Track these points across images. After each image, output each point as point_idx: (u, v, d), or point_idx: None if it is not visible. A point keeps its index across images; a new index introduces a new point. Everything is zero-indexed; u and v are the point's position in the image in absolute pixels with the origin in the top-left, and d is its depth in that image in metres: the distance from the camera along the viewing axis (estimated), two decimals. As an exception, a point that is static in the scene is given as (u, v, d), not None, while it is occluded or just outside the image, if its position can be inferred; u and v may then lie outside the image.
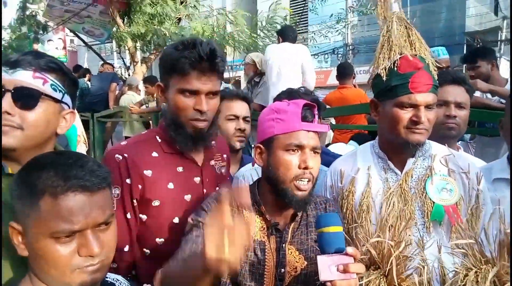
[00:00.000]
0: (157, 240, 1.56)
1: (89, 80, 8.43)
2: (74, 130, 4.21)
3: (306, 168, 1.39)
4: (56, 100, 1.30)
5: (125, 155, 1.53)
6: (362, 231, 1.40)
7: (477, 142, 3.72)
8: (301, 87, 2.18)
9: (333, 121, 4.97)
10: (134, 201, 1.54)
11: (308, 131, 1.42)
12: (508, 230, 1.23)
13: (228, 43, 8.03)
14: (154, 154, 1.60)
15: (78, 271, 1.02)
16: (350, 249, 1.18)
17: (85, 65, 16.55)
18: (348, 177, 1.72)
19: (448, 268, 1.43)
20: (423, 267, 1.38)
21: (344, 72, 5.00)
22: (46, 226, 1.00)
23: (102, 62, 9.54)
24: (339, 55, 19.85)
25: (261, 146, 1.48)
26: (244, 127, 2.27)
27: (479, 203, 1.53)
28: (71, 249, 1.01)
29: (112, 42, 11.71)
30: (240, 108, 2.27)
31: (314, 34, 17.75)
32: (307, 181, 1.41)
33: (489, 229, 1.30)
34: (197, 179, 1.66)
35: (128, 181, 1.51)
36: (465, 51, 20.40)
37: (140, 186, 1.53)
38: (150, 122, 6.21)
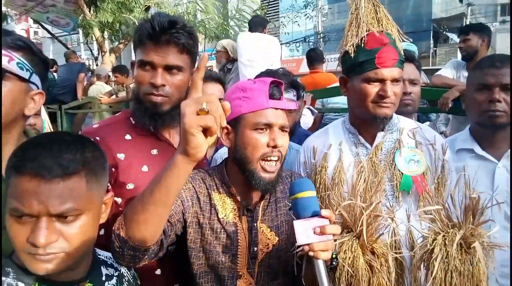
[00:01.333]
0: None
1: (55, 71, 8.19)
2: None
3: (275, 146, 1.38)
4: (23, 79, 1.26)
5: (97, 138, 1.50)
6: (335, 197, 1.43)
7: (452, 121, 3.85)
8: (280, 67, 2.18)
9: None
10: (108, 184, 1.52)
11: (276, 109, 1.40)
12: (474, 195, 1.29)
13: (198, 30, 7.95)
14: (128, 136, 1.57)
15: (29, 256, 1.01)
16: (324, 212, 1.19)
17: (51, 57, 16.08)
18: (320, 153, 1.76)
19: (416, 235, 1.50)
20: (393, 231, 1.45)
21: (315, 58, 5.03)
22: (8, 202, 1.00)
23: (69, 51, 9.27)
24: (310, 43, 19.97)
25: (228, 126, 1.44)
26: None
27: (444, 173, 1.60)
28: (24, 231, 0.99)
29: (78, 33, 11.40)
30: (213, 90, 2.25)
31: (284, 18, 17.74)
32: (275, 162, 1.40)
33: (455, 195, 1.36)
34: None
35: None
36: (431, 38, 20.92)
37: (113, 169, 1.51)
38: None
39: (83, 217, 1.05)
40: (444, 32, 20.16)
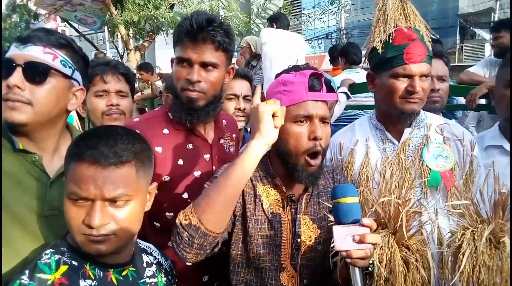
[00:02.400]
0: (167, 214, 1.61)
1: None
2: (70, 119, 4.22)
3: (315, 138, 1.37)
4: (66, 76, 1.32)
5: (137, 131, 1.57)
6: (370, 194, 1.43)
7: (485, 118, 3.77)
8: (304, 63, 2.18)
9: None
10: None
11: (316, 101, 1.39)
12: (504, 190, 1.29)
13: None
14: (165, 131, 1.63)
15: (83, 237, 1.10)
16: (366, 220, 1.17)
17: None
18: (347, 149, 1.78)
19: (444, 231, 1.50)
20: (429, 223, 1.45)
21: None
22: (67, 186, 1.11)
23: (95, 51, 9.49)
24: (333, 40, 19.78)
25: None
26: (244, 107, 2.26)
27: (473, 168, 1.60)
28: (79, 214, 1.10)
29: (104, 31, 11.61)
30: (240, 86, 2.28)
31: (309, 16, 17.61)
32: (318, 156, 1.41)
33: (484, 190, 1.36)
34: (206, 156, 1.69)
35: None
36: (458, 34, 20.44)
37: None
38: (146, 109, 6.22)
39: (132, 203, 1.14)
40: (471, 28, 19.66)
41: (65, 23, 11.34)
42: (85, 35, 11.73)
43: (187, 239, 1.20)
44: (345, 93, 3.54)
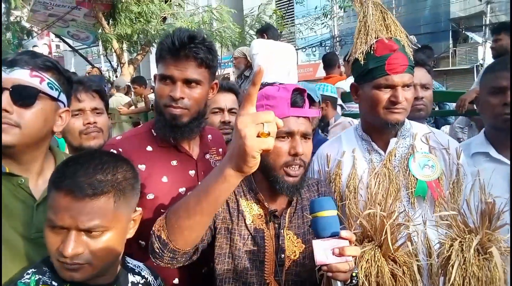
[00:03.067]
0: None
1: (76, 84, 8.37)
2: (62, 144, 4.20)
3: (296, 154, 1.37)
4: (53, 98, 1.33)
5: (120, 149, 1.56)
6: (354, 207, 1.43)
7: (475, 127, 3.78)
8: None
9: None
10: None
11: (298, 117, 1.39)
12: (490, 200, 1.28)
13: (215, 39, 8.03)
14: (149, 148, 1.62)
15: (58, 263, 1.11)
16: (344, 233, 1.17)
17: (72, 70, 16.45)
18: (334, 161, 1.77)
19: (433, 240, 1.48)
20: (410, 239, 1.44)
21: (329, 63, 5.02)
22: (47, 212, 1.12)
23: (90, 66, 9.51)
24: (327, 48, 19.89)
25: None
26: (229, 120, 2.25)
27: (459, 177, 1.59)
28: (56, 240, 1.10)
29: (98, 45, 11.66)
30: (225, 100, 2.27)
31: (301, 25, 17.71)
32: (298, 167, 1.40)
33: (471, 200, 1.35)
34: (192, 172, 1.68)
35: None
36: (450, 38, 20.59)
37: None
38: (140, 122, 6.22)
39: (108, 233, 1.13)
40: (464, 32, 19.83)
41: (59, 38, 11.35)
42: (79, 50, 11.77)
43: (157, 250, 1.20)
44: (340, 105, 3.54)
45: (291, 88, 1.40)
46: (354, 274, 1.27)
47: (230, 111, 2.29)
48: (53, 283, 1.14)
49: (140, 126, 1.81)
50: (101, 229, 1.11)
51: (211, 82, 1.64)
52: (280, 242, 1.44)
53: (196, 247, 1.30)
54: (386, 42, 1.57)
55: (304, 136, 1.41)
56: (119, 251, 1.20)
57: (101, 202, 1.10)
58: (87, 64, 10.82)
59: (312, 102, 2.54)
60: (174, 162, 1.64)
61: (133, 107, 6.67)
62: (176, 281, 1.60)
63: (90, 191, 1.08)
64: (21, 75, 1.26)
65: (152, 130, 1.66)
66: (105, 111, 2.06)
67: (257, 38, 4.95)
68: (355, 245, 1.33)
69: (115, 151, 1.55)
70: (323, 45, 19.90)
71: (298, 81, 3.12)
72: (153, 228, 1.22)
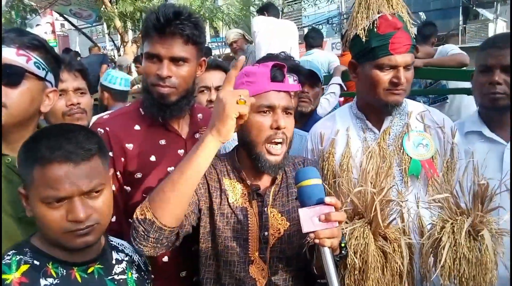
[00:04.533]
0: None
1: (79, 63, 8.34)
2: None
3: (278, 128, 1.37)
4: (40, 78, 1.31)
5: (107, 128, 1.55)
6: (345, 184, 1.42)
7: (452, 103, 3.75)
8: (281, 51, 2.13)
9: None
10: (118, 173, 1.56)
11: (279, 91, 1.40)
12: (483, 181, 1.25)
13: (217, 17, 7.91)
14: (137, 127, 1.60)
15: (69, 234, 1.12)
16: (328, 199, 1.19)
17: (77, 49, 16.37)
18: (328, 139, 1.73)
19: (426, 220, 1.46)
20: (402, 217, 1.42)
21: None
22: (37, 192, 1.10)
23: (92, 45, 9.44)
24: (334, 25, 19.56)
25: None
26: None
27: (454, 156, 1.55)
28: (60, 214, 1.10)
29: (102, 24, 11.57)
30: (211, 78, 2.22)
31: (306, 2, 17.32)
32: (280, 144, 1.40)
33: (463, 181, 1.33)
34: (181, 152, 1.66)
35: (110, 154, 1.52)
36: (460, 15, 20.16)
37: (122, 159, 1.55)
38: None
39: (105, 191, 1.18)
40: (474, 8, 19.34)
41: (62, 17, 11.25)
42: (83, 29, 11.68)
43: (142, 233, 1.23)
44: (339, 84, 3.45)
45: (271, 64, 1.40)
46: (343, 245, 1.28)
47: (217, 89, 2.24)
48: (35, 262, 1.14)
49: (127, 105, 1.78)
50: (100, 187, 1.15)
51: (199, 59, 1.60)
52: (264, 220, 1.45)
53: (177, 233, 1.31)
54: (390, 19, 1.50)
55: (286, 110, 1.41)
56: (112, 209, 1.24)
57: (94, 162, 1.14)
58: (91, 43, 10.74)
59: (316, 82, 2.51)
60: (162, 141, 1.62)
61: (136, 87, 6.63)
62: (165, 259, 1.61)
63: (85, 153, 1.11)
64: (7, 54, 1.24)
65: (140, 109, 1.63)
66: (88, 91, 2.02)
67: (258, 15, 4.86)
68: (346, 222, 1.34)
69: (102, 130, 1.53)
70: (330, 22, 19.57)
71: (305, 60, 3.05)
72: (134, 216, 1.25)
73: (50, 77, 1.35)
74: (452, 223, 1.28)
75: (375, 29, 1.52)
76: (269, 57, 2.04)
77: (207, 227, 1.46)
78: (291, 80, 1.98)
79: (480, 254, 1.22)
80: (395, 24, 1.50)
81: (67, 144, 1.10)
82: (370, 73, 1.55)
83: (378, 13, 1.53)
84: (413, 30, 1.55)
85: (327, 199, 1.19)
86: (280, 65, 1.42)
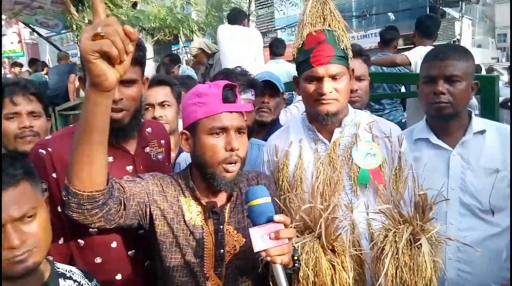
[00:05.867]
0: (91, 230, 1.54)
1: (46, 73, 8.19)
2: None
3: (232, 150, 1.39)
4: None
5: (49, 149, 1.52)
6: (295, 200, 1.45)
7: (411, 105, 3.84)
8: (237, 66, 2.16)
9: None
10: (63, 194, 1.54)
11: (231, 112, 1.40)
12: (421, 192, 1.30)
13: (183, 25, 7.87)
14: None
15: (7, 262, 1.11)
16: (277, 217, 1.21)
17: (47, 57, 16.06)
18: (282, 151, 1.76)
19: (375, 226, 1.50)
20: (352, 227, 1.47)
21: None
22: None
23: (62, 53, 9.25)
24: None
25: (186, 132, 1.46)
26: (159, 115, 2.21)
27: (401, 165, 1.60)
28: None
29: (72, 31, 11.35)
30: (154, 95, 2.23)
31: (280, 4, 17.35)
32: (234, 164, 1.41)
33: (405, 191, 1.39)
34: (129, 168, 1.65)
35: (54, 175, 1.50)
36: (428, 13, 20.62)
37: None
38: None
39: (38, 215, 1.17)
40: (441, 7, 19.84)
41: (28, 27, 11.00)
42: (52, 37, 11.46)
43: (65, 199, 1.21)
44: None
45: (222, 84, 1.40)
46: (296, 258, 1.31)
47: (162, 104, 2.25)
48: None
49: (69, 126, 1.77)
50: (32, 212, 1.14)
51: (142, 77, 1.63)
52: (220, 238, 1.46)
53: (115, 200, 1.29)
54: (313, 34, 1.57)
55: (239, 130, 1.42)
56: (50, 231, 1.23)
57: (21, 188, 1.13)
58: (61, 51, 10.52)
59: (276, 92, 2.54)
60: (110, 159, 1.59)
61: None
62: (119, 276, 1.59)
63: (10, 181, 1.11)
64: None
65: None
66: (44, 113, 2.01)
67: (225, 23, 4.90)
68: (297, 236, 1.37)
69: (44, 152, 1.51)
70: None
71: (265, 71, 3.08)
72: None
73: None
74: (394, 232, 1.33)
75: (303, 46, 1.61)
76: (224, 73, 2.06)
77: (169, 237, 1.45)
78: (248, 95, 2.02)
79: (419, 262, 1.26)
80: (318, 38, 1.57)
81: None
82: (302, 86, 1.64)
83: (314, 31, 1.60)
84: (347, 42, 1.60)
85: (276, 217, 1.21)
86: (232, 86, 1.43)
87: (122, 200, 1.32)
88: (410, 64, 3.75)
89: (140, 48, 1.52)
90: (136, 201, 1.38)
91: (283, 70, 4.04)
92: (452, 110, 1.74)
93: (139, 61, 1.53)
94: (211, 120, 1.38)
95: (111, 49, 0.95)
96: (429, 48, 3.81)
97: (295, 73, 1.73)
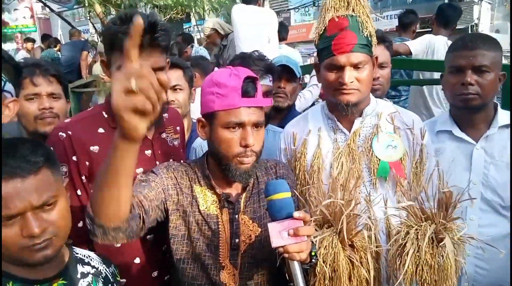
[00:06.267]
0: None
1: (59, 50, 8.16)
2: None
3: (246, 146, 1.36)
4: None
5: (69, 132, 1.51)
6: (314, 192, 1.42)
7: (412, 94, 3.83)
8: (255, 50, 2.10)
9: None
10: (83, 177, 1.53)
11: (250, 107, 1.36)
12: (446, 190, 1.26)
13: (196, 4, 7.74)
14: (101, 130, 1.57)
15: (26, 250, 1.10)
16: (297, 213, 1.19)
17: (59, 32, 15.98)
18: (300, 139, 1.73)
19: (394, 221, 1.47)
20: (372, 224, 1.43)
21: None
22: None
23: (73, 30, 9.19)
24: (321, 7, 19.33)
25: (203, 119, 1.44)
26: (171, 99, 2.18)
27: (423, 158, 1.56)
28: (15, 231, 1.08)
29: (84, 7, 11.26)
30: (170, 77, 2.18)
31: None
32: (250, 157, 1.39)
33: (429, 187, 1.34)
34: (148, 152, 1.64)
35: (74, 158, 1.50)
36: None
37: (87, 163, 1.52)
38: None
39: (58, 203, 1.16)
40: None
41: (40, 1, 10.91)
42: (61, 13, 11.36)
43: (89, 227, 1.16)
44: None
45: (243, 76, 1.35)
46: (313, 254, 1.29)
47: (174, 88, 2.22)
48: None
49: (87, 110, 1.77)
50: (52, 200, 1.13)
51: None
52: (235, 227, 1.44)
53: (142, 220, 1.27)
54: (336, 20, 1.50)
55: (256, 125, 1.38)
56: (70, 219, 1.21)
57: (42, 176, 1.12)
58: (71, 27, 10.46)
59: (293, 77, 2.49)
60: None
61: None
62: (137, 260, 1.60)
63: (30, 168, 1.09)
64: None
65: (103, 112, 1.61)
66: (63, 95, 2.00)
67: (240, 3, 4.79)
68: (316, 229, 1.35)
69: (64, 135, 1.50)
70: (316, 4, 19.36)
71: (283, 55, 3.00)
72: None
73: (9, 87, 1.32)
74: (416, 229, 1.29)
75: (324, 32, 1.54)
76: (241, 57, 2.01)
77: (182, 230, 1.45)
78: (266, 81, 1.98)
79: (442, 260, 1.23)
80: (340, 25, 1.50)
81: (11, 160, 1.08)
82: (322, 74, 1.58)
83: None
84: (372, 29, 1.53)
85: (296, 214, 1.18)
86: (253, 78, 1.39)
87: (142, 216, 1.28)
88: (410, 53, 3.67)
89: (164, 33, 1.49)
90: (153, 207, 1.35)
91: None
92: (480, 101, 1.68)
93: (166, 48, 1.52)
94: (228, 114, 1.35)
95: (146, 106, 0.89)
96: (439, 38, 3.72)
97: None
